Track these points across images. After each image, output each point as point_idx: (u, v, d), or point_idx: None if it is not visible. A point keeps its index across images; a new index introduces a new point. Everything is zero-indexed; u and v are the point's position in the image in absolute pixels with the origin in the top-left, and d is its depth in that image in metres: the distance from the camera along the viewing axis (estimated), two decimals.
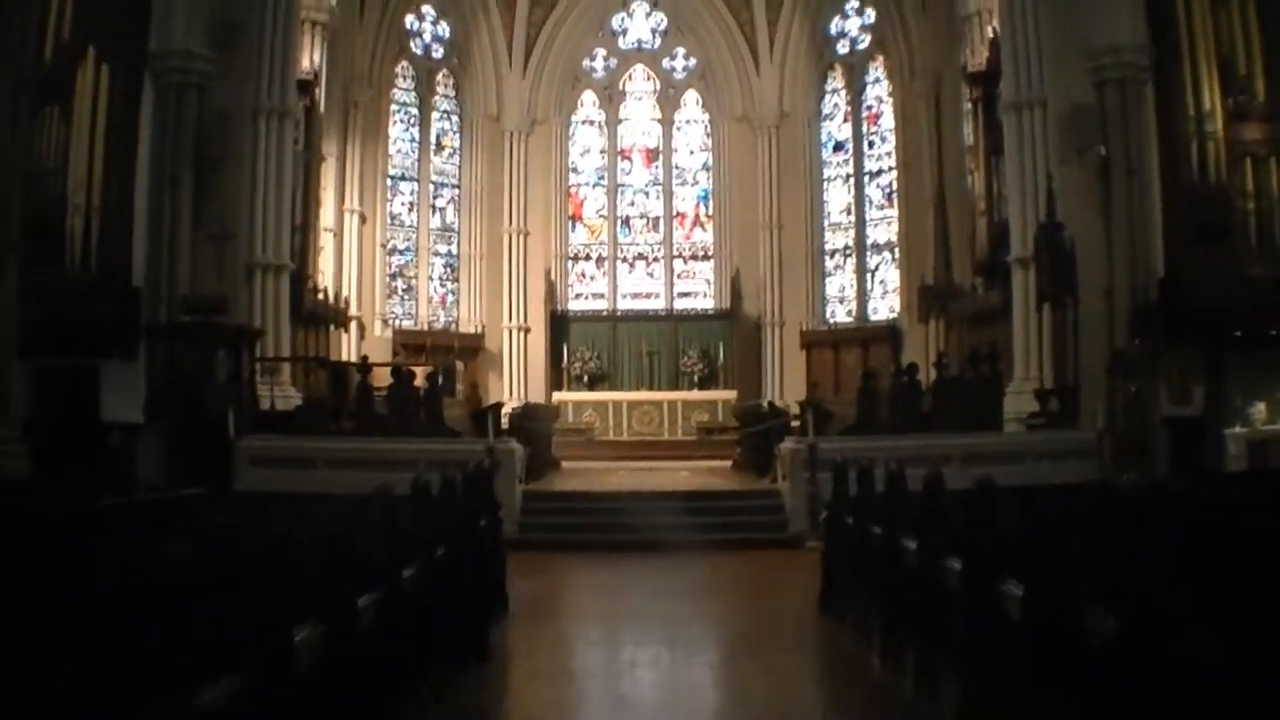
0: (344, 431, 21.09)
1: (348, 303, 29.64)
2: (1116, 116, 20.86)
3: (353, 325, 31.14)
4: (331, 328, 27.82)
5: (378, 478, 10.28)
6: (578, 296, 36.98)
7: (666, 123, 37.86)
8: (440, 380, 23.59)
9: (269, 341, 21.95)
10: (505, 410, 24.85)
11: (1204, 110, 20.08)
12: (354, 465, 18.21)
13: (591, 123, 37.87)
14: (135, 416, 19.12)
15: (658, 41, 37.84)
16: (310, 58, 26.36)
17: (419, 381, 22.37)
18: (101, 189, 19.62)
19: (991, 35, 24.63)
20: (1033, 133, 22.11)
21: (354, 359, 28.01)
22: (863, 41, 35.23)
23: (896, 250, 33.94)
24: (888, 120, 34.62)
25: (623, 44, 37.89)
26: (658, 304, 36.96)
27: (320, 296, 26.69)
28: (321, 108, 26.81)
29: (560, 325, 35.41)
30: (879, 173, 34.84)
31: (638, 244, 37.60)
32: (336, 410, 22.11)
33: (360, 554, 7.20)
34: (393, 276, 34.39)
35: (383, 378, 22.10)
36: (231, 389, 19.79)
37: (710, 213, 37.40)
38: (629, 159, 37.88)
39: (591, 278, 37.30)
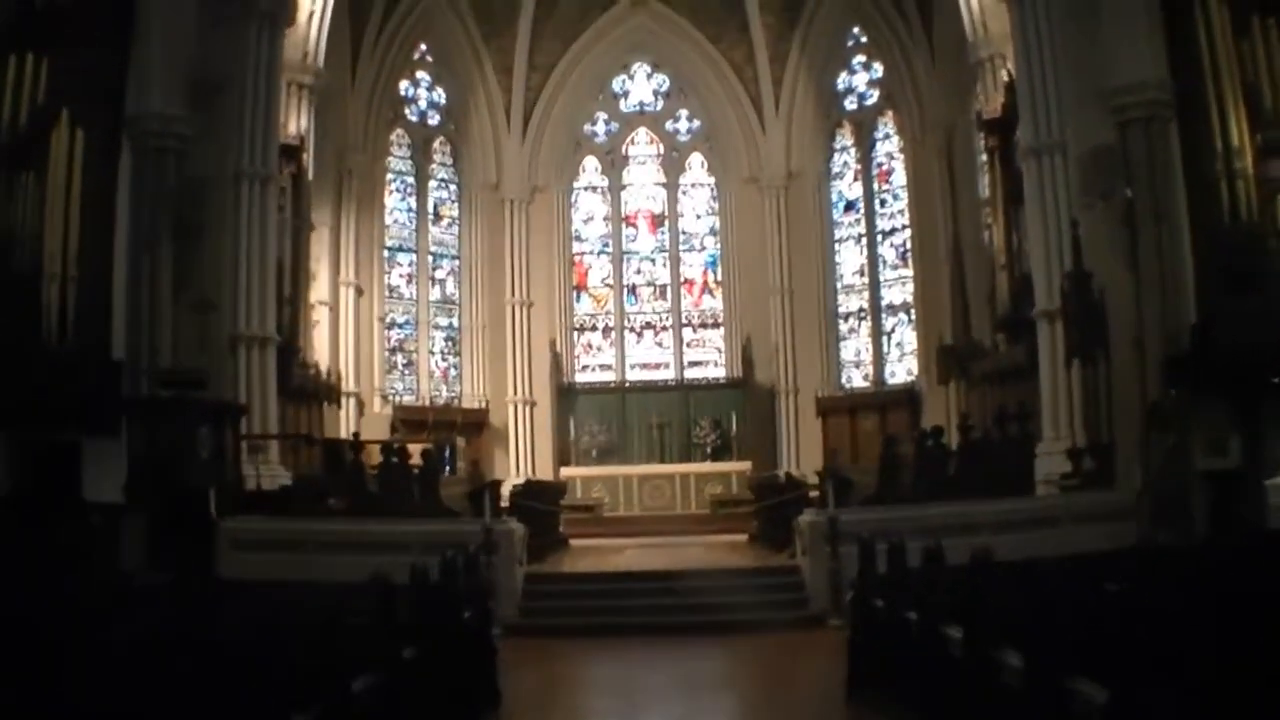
0: (335, 512, 19.87)
1: (340, 377, 28.45)
2: (1141, 157, 19.58)
3: (350, 401, 30.08)
4: (326, 404, 26.62)
5: (368, 561, 9.40)
6: (584, 368, 35.91)
7: (671, 186, 36.91)
8: (437, 457, 22.47)
9: (254, 418, 20.84)
10: (507, 487, 23.61)
11: (1232, 147, 18.77)
12: (342, 548, 17.00)
13: (594, 189, 36.94)
14: (118, 496, 17.94)
15: (660, 103, 36.98)
16: (297, 122, 25.38)
17: (414, 459, 21.25)
18: (78, 257, 18.49)
19: (1006, 79, 23.56)
20: (1054, 179, 20.97)
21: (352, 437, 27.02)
22: (871, 96, 34.33)
23: (913, 311, 32.84)
24: (899, 177, 33.63)
25: (624, 107, 37.02)
26: (667, 374, 35.85)
27: (311, 372, 25.45)
28: (310, 175, 25.77)
29: (567, 398, 34.25)
30: (892, 231, 33.81)
31: (645, 313, 36.56)
32: (326, 490, 20.88)
33: (296, 663, 5.96)
34: (392, 351, 33.36)
35: (378, 455, 20.93)
36: (214, 468, 18.63)
37: (719, 278, 36.34)
38: (634, 225, 36.90)
39: (598, 349, 36.24)
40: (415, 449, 22.26)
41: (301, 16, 25.47)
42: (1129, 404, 18.98)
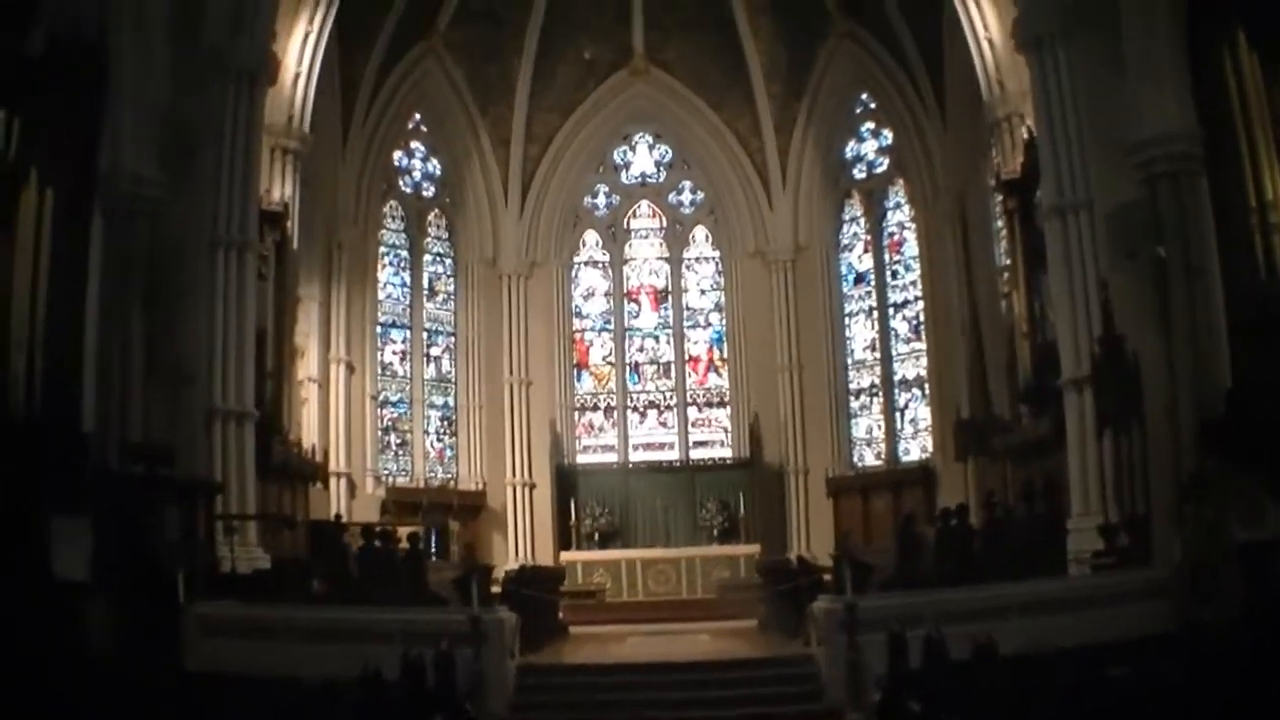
0: (316, 597, 18.60)
1: (328, 457, 27.17)
2: (1171, 213, 18.26)
3: (341, 482, 28.93)
4: (312, 485, 25.35)
5: (346, 651, 8.23)
6: (586, 449, 34.64)
7: (675, 261, 35.81)
8: (426, 541, 21.27)
9: (231, 497, 19.60)
10: (503, 572, 22.40)
11: (1265, 200, 17.51)
12: (319, 637, 15.84)
13: (595, 263, 35.86)
14: (88, 574, 16.66)
15: (663, 175, 35.98)
16: (281, 188, 24.29)
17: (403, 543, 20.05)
18: (46, 324, 17.20)
19: (1026, 137, 22.48)
20: (1079, 238, 19.89)
21: (346, 519, 25.68)
22: (880, 165, 33.33)
23: (926, 386, 31.65)
24: (911, 247, 32.56)
25: (625, 179, 36.01)
26: (672, 454, 34.56)
27: (295, 450, 24.18)
28: (295, 244, 24.64)
29: (568, 480, 32.93)
30: (904, 304, 32.67)
31: (648, 391, 35.32)
32: (309, 574, 19.60)
33: None
34: (385, 431, 32.07)
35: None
36: (184, 549, 17.36)
37: (725, 355, 35.14)
38: (636, 301, 35.79)
39: (600, 428, 34.98)
40: (405, 532, 21.19)
41: (285, 78, 24.52)
42: (1164, 475, 17.63)
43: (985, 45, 24.88)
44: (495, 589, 19.71)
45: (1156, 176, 18.45)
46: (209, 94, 20.36)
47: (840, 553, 18.83)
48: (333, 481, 28.57)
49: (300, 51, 25.09)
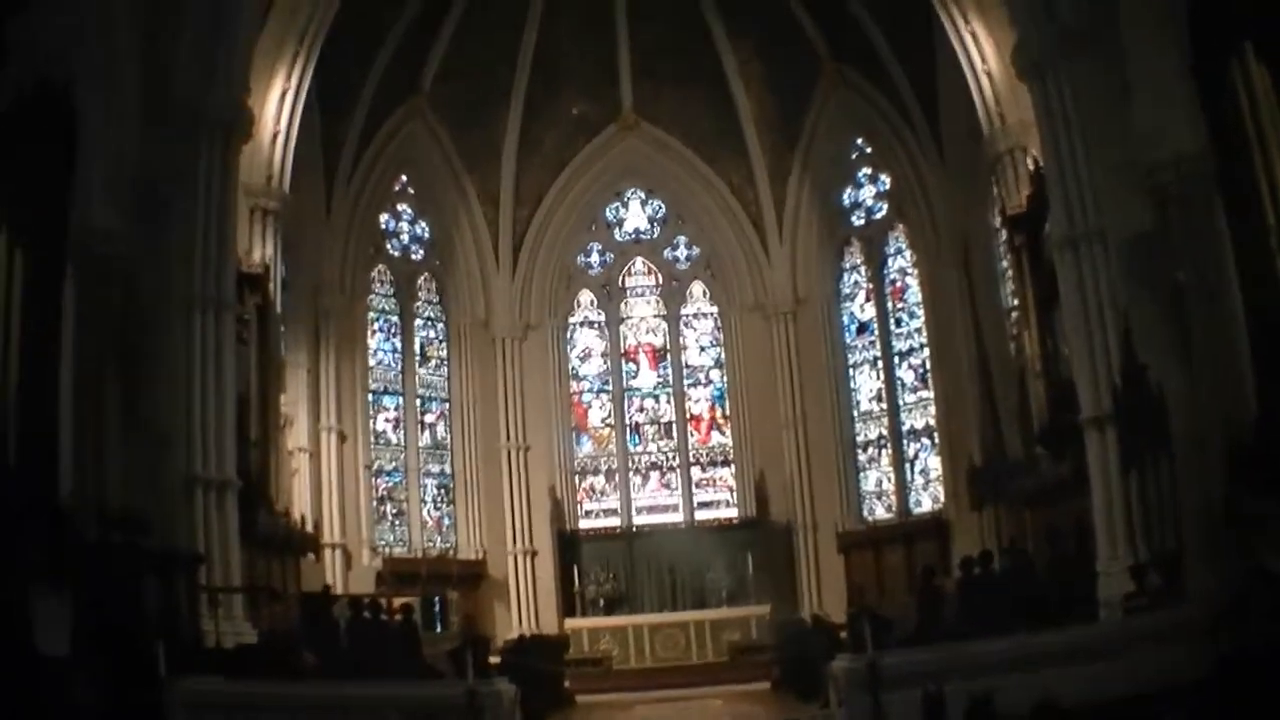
0: (306, 671, 17.63)
1: (319, 528, 26.24)
2: (1186, 237, 17.48)
3: (336, 554, 28.06)
4: (305, 556, 24.42)
5: None
6: (588, 514, 33.70)
7: (672, 318, 35.04)
8: (428, 612, 20.40)
9: (215, 569, 18.63)
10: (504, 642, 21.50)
11: None
12: (308, 713, 15.03)
13: (591, 323, 35.07)
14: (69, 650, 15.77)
15: (656, 231, 35.26)
16: (262, 250, 23.51)
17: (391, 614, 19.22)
18: (19, 387, 16.33)
19: (1032, 167, 21.71)
20: (1093, 269, 18.99)
21: (339, 592, 25.04)
22: (880, 210, 32.62)
23: (936, 435, 30.79)
24: (914, 293, 31.81)
25: (619, 236, 35.30)
26: (676, 516, 33.63)
27: (283, 520, 23.26)
28: (279, 307, 23.84)
29: (570, 546, 32.06)
30: (909, 352, 31.86)
31: (650, 453, 34.42)
32: (300, 646, 18.64)
33: None
34: (380, 500, 31.13)
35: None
36: (165, 622, 16.43)
37: (727, 413, 34.28)
38: (634, 360, 34.98)
39: (602, 492, 34.03)
40: (398, 603, 20.35)
41: (264, 137, 23.76)
42: (1194, 510, 16.70)
43: (983, 78, 24.25)
44: (495, 659, 18.86)
45: (1169, 199, 17.66)
46: (182, 148, 19.51)
47: (858, 608, 17.98)
48: (327, 553, 27.68)
49: (278, 110, 24.39)
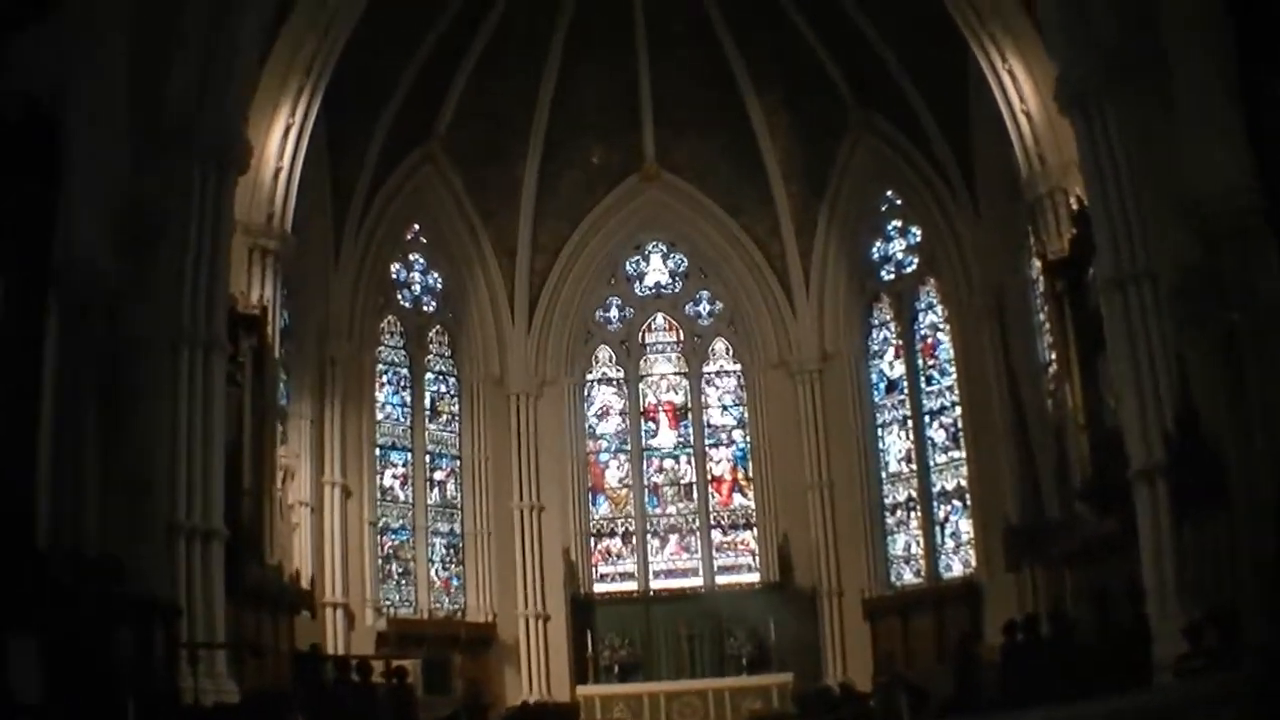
0: None
1: (314, 584, 24.99)
2: (1237, 274, 16.23)
3: (337, 613, 26.97)
4: (299, 613, 23.19)
5: None
6: (603, 577, 32.39)
7: (694, 375, 33.83)
8: (421, 674, 19.23)
9: (197, 622, 17.44)
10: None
11: None
12: None
13: (609, 380, 33.89)
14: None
15: (678, 285, 34.15)
16: (260, 291, 22.43)
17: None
18: None
19: (1076, 207, 20.57)
20: (1143, 312, 17.79)
21: (343, 652, 24.41)
22: (910, 264, 31.46)
23: (968, 496, 29.46)
24: (946, 349, 30.58)
25: (639, 290, 34.21)
26: (695, 580, 32.27)
27: (273, 574, 22.03)
28: (277, 351, 22.77)
29: (584, 610, 30.70)
30: (940, 410, 30.60)
31: (669, 515, 33.12)
32: (290, 706, 17.43)
33: None
34: (386, 559, 29.87)
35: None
36: (137, 676, 15.20)
37: (750, 474, 32.98)
38: (654, 419, 33.74)
39: (618, 555, 32.73)
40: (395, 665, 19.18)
41: (266, 173, 22.84)
42: (1253, 562, 15.37)
43: (1022, 118, 23.19)
44: None
45: (1220, 235, 16.43)
46: (174, 177, 18.57)
47: (890, 676, 16.70)
48: (328, 612, 26.63)
49: (281, 145, 23.40)
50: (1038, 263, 24.32)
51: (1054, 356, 23.80)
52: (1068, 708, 13.77)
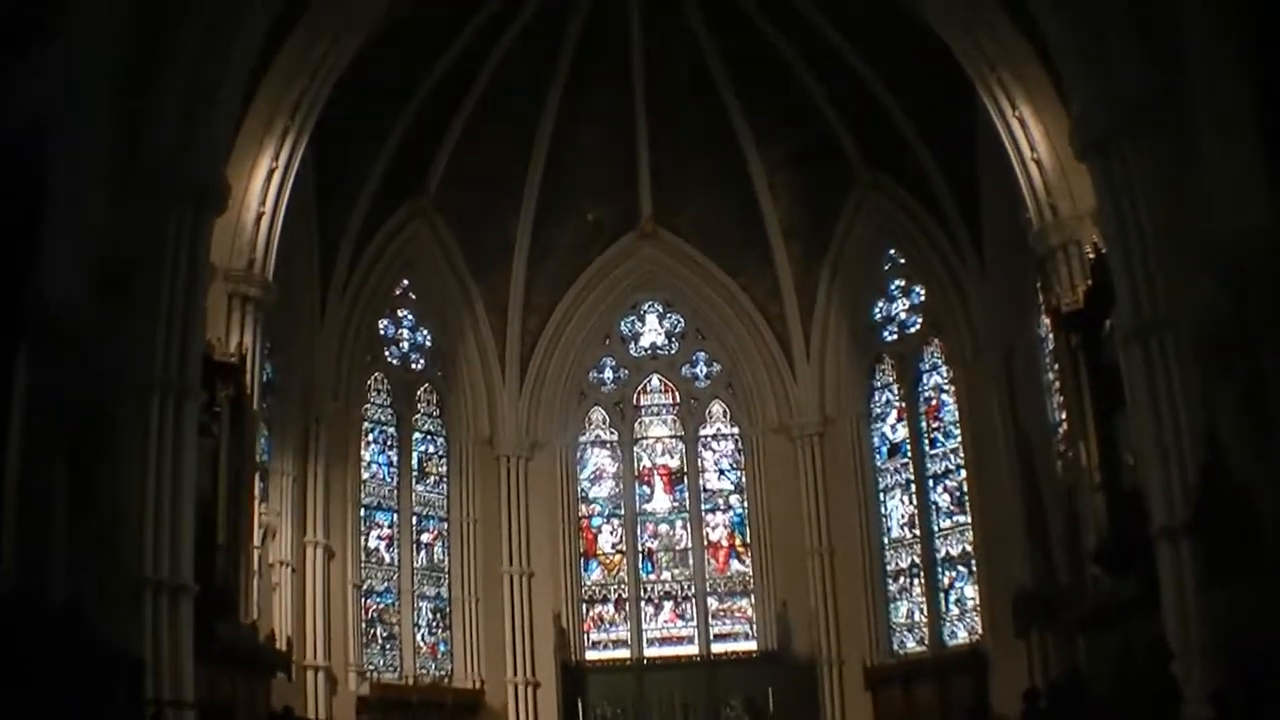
0: None
1: (290, 645, 23.95)
2: (1264, 319, 15.49)
3: (319, 676, 25.96)
4: (276, 675, 22.14)
5: None
6: (595, 644, 31.44)
7: (690, 439, 32.97)
8: None
9: (164, 680, 16.42)
10: None
11: None
12: None
13: (603, 443, 33.04)
14: None
15: (675, 346, 33.38)
16: (240, 339, 21.54)
17: None
18: None
19: (1092, 256, 19.77)
20: (1165, 362, 16.94)
21: (323, 717, 24.07)
22: (914, 324, 30.72)
23: (973, 561, 28.59)
24: (950, 412, 29.81)
25: (634, 351, 33.43)
26: (691, 649, 31.37)
27: (245, 634, 20.99)
28: (255, 402, 21.83)
29: (575, 678, 29.69)
30: (945, 474, 29.74)
31: (664, 581, 32.25)
32: None
33: None
34: (370, 622, 28.86)
35: None
36: None
37: (747, 540, 32.09)
38: (649, 483, 32.86)
39: (611, 622, 31.81)
40: None
41: (248, 217, 22.03)
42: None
43: (1032, 167, 22.37)
44: None
45: (1246, 280, 15.73)
46: (150, 215, 17.72)
47: None
48: (309, 675, 25.65)
49: (264, 189, 22.55)
50: (1047, 320, 23.70)
51: (1065, 416, 22.90)
52: None
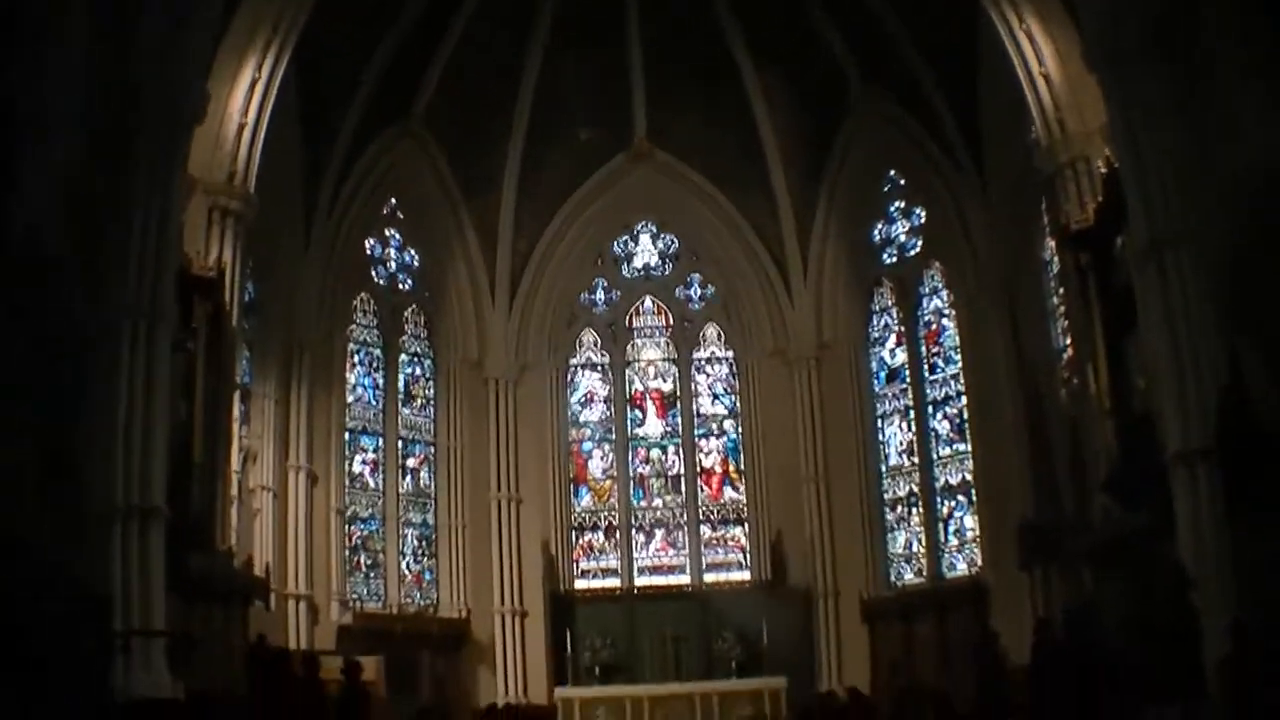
0: None
1: (269, 572, 23.33)
2: None
3: (300, 605, 25.43)
4: (254, 604, 21.47)
5: None
6: (584, 573, 30.88)
7: (683, 362, 32.31)
8: (385, 673, 17.71)
9: (133, 610, 15.74)
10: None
11: None
12: None
13: (594, 366, 32.35)
14: None
15: (668, 268, 32.63)
16: (219, 253, 20.73)
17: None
18: None
19: (1104, 171, 18.97)
20: (1181, 280, 16.24)
21: (304, 647, 22.87)
22: (914, 246, 29.90)
23: (973, 491, 27.92)
24: (951, 337, 29.03)
25: (627, 272, 32.70)
26: (682, 578, 30.78)
27: (227, 562, 20.31)
28: (234, 319, 21.02)
29: (564, 608, 29.23)
30: (945, 401, 29.00)
31: (655, 508, 31.61)
32: (210, 710, 15.87)
33: None
34: (353, 550, 28.21)
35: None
36: (61, 667, 13.59)
37: (741, 467, 31.46)
38: (641, 407, 32.23)
39: (601, 550, 31.23)
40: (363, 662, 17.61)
41: (229, 128, 21.24)
42: None
43: (1040, 82, 21.62)
44: None
45: (1264, 209, 15.02)
46: (127, 129, 16.82)
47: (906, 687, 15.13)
48: (290, 604, 25.13)
49: (246, 100, 21.70)
50: (1051, 243, 23.30)
51: (1070, 341, 22.57)
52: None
